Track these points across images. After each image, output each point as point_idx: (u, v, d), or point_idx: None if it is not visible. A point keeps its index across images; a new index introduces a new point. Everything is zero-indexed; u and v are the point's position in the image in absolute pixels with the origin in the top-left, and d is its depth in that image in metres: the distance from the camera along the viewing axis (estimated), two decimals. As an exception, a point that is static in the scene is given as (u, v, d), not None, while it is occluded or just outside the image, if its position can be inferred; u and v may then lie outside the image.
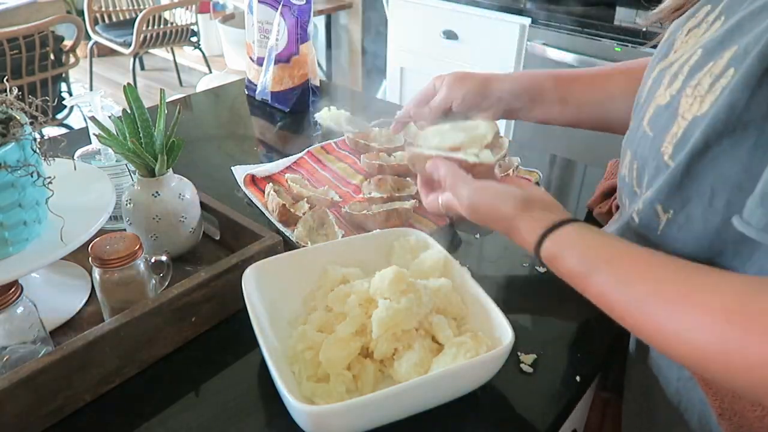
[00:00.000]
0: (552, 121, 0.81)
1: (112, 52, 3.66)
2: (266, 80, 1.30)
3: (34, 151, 0.60)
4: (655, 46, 0.64)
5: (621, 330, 0.71)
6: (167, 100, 0.82)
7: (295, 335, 0.62)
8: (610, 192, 0.85)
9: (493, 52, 2.13)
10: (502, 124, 2.22)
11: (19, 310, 0.59)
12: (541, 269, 0.81)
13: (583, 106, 0.78)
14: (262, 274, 0.66)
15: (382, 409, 0.54)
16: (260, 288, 0.65)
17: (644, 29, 1.78)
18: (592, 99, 0.77)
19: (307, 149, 1.11)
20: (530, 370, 0.64)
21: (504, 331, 0.58)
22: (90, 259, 0.63)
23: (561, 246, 0.55)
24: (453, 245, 0.85)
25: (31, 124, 0.60)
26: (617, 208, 0.77)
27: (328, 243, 0.73)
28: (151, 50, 3.69)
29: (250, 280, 0.64)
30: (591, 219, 0.88)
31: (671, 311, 0.44)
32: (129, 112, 0.73)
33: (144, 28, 3.21)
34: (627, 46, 1.80)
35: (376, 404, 0.53)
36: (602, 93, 0.77)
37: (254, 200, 0.95)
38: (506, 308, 0.60)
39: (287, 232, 0.86)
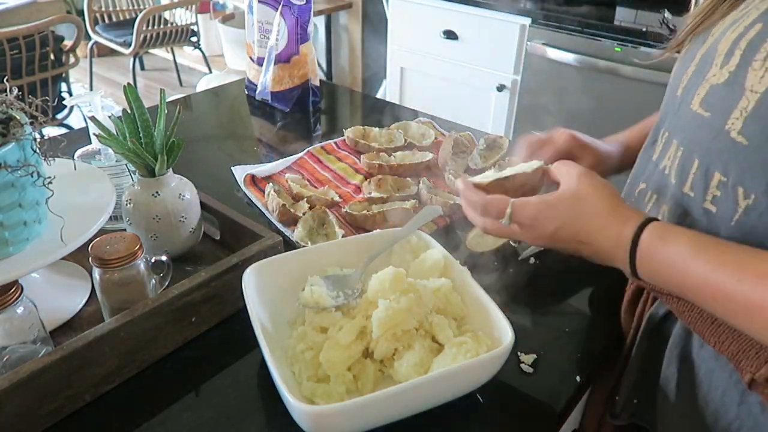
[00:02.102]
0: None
1: (112, 52, 3.65)
2: (266, 80, 1.30)
3: (34, 151, 0.60)
4: (678, 51, 0.64)
5: (620, 332, 0.71)
6: (167, 100, 0.82)
7: (295, 335, 0.62)
8: None
9: (493, 51, 2.13)
10: (501, 123, 2.22)
11: (19, 310, 0.59)
12: (532, 260, 0.81)
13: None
14: (262, 274, 0.66)
15: (382, 409, 0.54)
16: (260, 288, 0.65)
17: (644, 29, 1.77)
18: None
19: (307, 149, 1.11)
20: (530, 370, 0.64)
21: (504, 331, 0.58)
22: (90, 259, 0.63)
23: (662, 233, 0.54)
24: (453, 245, 0.85)
25: (31, 124, 0.60)
26: None
27: (329, 243, 0.74)
28: (151, 50, 3.68)
29: (250, 280, 0.64)
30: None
31: None
32: (129, 112, 0.73)
33: (144, 28, 3.21)
34: (627, 46, 1.80)
35: (376, 404, 0.53)
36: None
37: (254, 200, 0.95)
38: (506, 308, 0.60)
39: (287, 232, 0.86)
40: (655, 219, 0.55)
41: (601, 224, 0.57)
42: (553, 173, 0.64)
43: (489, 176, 0.66)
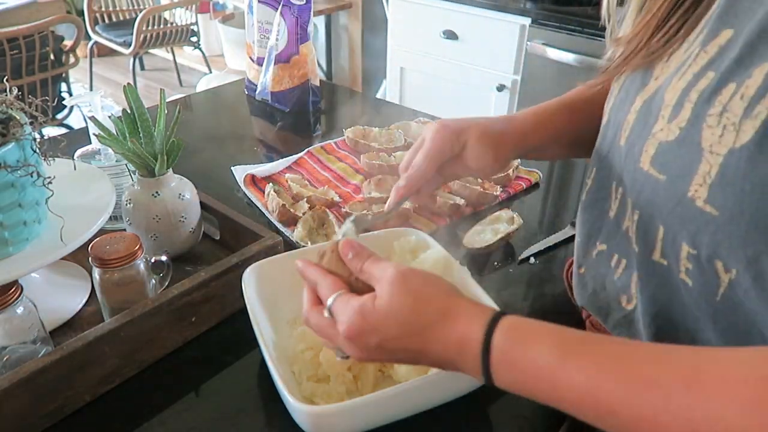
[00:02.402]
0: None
1: (112, 52, 3.65)
2: (266, 80, 1.30)
3: (34, 151, 0.60)
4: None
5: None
6: (167, 100, 0.82)
7: (295, 335, 0.62)
8: None
9: (493, 51, 2.13)
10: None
11: (19, 310, 0.59)
12: (532, 260, 0.81)
13: (583, 136, 0.69)
14: (262, 274, 0.66)
15: (382, 409, 0.54)
16: (260, 288, 0.65)
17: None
18: (539, 143, 0.69)
19: (307, 149, 1.11)
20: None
21: None
22: (90, 259, 0.63)
23: (519, 334, 0.43)
24: (453, 245, 0.85)
25: (31, 124, 0.60)
26: None
27: (331, 241, 0.73)
28: (151, 50, 3.68)
29: (250, 279, 0.64)
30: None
31: (696, 393, 0.35)
32: (129, 112, 0.73)
33: (144, 28, 3.21)
34: (627, 46, 1.80)
35: (376, 404, 0.53)
36: (548, 134, 0.69)
37: (254, 200, 0.95)
38: (506, 308, 0.60)
39: (287, 232, 0.86)
40: (503, 313, 0.45)
41: (436, 331, 0.46)
42: (365, 275, 0.51)
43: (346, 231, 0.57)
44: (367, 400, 0.52)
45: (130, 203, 0.75)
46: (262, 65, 1.31)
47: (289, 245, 0.81)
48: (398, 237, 0.73)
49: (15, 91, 0.62)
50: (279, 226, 0.88)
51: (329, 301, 0.50)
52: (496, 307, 0.50)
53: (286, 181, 0.97)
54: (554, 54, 1.95)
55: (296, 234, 0.84)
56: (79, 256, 0.73)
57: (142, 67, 4.37)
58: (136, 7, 3.87)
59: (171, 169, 0.76)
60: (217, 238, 0.84)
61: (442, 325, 0.46)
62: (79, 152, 0.87)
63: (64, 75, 2.66)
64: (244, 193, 0.98)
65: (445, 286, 0.49)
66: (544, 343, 0.42)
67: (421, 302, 0.47)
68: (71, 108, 2.61)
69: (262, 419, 0.59)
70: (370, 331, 0.47)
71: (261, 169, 1.02)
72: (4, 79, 0.74)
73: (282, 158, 1.07)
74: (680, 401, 0.35)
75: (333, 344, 0.50)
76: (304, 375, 0.59)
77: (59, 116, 2.68)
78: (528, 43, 2.02)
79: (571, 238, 0.85)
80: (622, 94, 0.54)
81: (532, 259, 0.82)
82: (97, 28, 3.53)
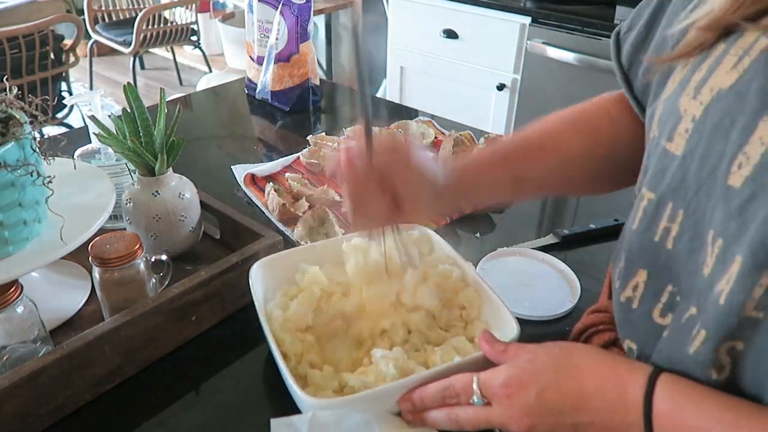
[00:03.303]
0: (504, 202, 0.68)
1: (112, 52, 3.65)
2: (266, 79, 1.30)
3: (34, 151, 0.60)
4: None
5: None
6: (167, 99, 0.82)
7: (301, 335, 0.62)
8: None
9: (493, 51, 2.13)
10: (501, 122, 2.22)
11: (19, 309, 0.59)
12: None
13: (545, 178, 0.63)
14: (270, 270, 0.66)
15: (389, 401, 0.54)
16: (267, 283, 0.65)
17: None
18: (550, 169, 0.63)
19: (306, 148, 1.11)
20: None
21: (509, 326, 0.58)
22: (90, 258, 0.63)
23: (676, 395, 0.42)
24: (453, 244, 0.85)
25: (31, 123, 0.60)
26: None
27: (338, 238, 0.73)
28: (151, 49, 3.68)
29: (257, 275, 0.64)
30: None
31: None
32: (129, 111, 0.72)
33: (144, 28, 3.21)
34: (627, 45, 1.80)
35: (384, 396, 0.53)
36: (558, 159, 0.63)
37: (254, 199, 0.95)
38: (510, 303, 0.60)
39: (287, 231, 0.86)
40: (661, 369, 0.44)
41: (594, 375, 0.45)
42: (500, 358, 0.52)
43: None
44: (375, 392, 0.52)
45: (130, 202, 0.75)
46: (262, 64, 1.30)
47: (289, 244, 0.81)
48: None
49: (15, 90, 0.62)
50: (279, 225, 0.88)
51: (475, 385, 0.49)
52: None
53: (287, 180, 0.97)
54: (554, 53, 1.95)
55: (296, 233, 0.84)
56: (79, 256, 0.73)
57: (142, 67, 4.37)
58: (136, 7, 3.86)
59: (171, 168, 0.76)
60: (217, 237, 0.84)
61: (600, 369, 0.46)
62: (79, 151, 0.87)
63: (64, 74, 2.66)
64: (244, 192, 0.97)
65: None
66: (701, 400, 0.41)
67: (568, 346, 0.49)
68: (71, 107, 2.60)
69: (263, 419, 0.58)
70: (528, 381, 0.47)
71: (261, 168, 1.02)
72: (4, 79, 0.74)
73: (282, 157, 1.07)
74: None
75: (491, 427, 0.50)
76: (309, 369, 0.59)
77: (59, 115, 2.68)
78: (528, 42, 2.02)
79: (566, 240, 0.85)
80: (714, 118, 0.42)
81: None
82: (97, 27, 3.53)
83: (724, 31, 0.43)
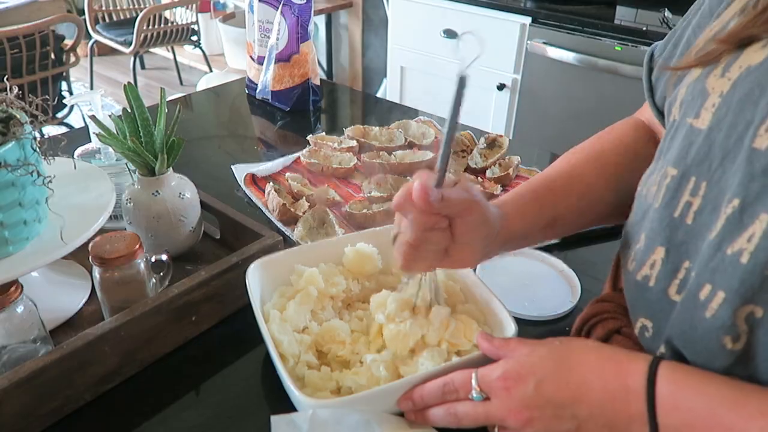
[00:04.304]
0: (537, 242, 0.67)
1: (113, 51, 3.65)
2: (267, 79, 1.30)
3: (34, 150, 0.60)
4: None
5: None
6: (167, 99, 0.82)
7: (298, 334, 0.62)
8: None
9: (493, 51, 2.13)
10: (501, 122, 2.22)
11: (19, 309, 0.58)
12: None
13: (576, 219, 0.64)
14: (267, 270, 0.66)
15: (388, 401, 0.54)
16: (264, 284, 0.65)
17: (645, 28, 1.77)
18: (581, 209, 0.63)
19: (306, 148, 1.11)
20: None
21: (507, 325, 0.58)
22: (90, 258, 0.63)
23: (678, 379, 0.43)
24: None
25: (31, 123, 0.60)
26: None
27: (336, 238, 0.73)
28: (151, 49, 3.68)
29: (254, 275, 0.64)
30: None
31: None
32: (129, 111, 0.72)
33: (144, 27, 3.21)
34: (627, 45, 1.79)
35: (382, 396, 0.53)
36: (587, 201, 0.63)
37: (254, 199, 0.95)
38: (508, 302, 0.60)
39: (287, 231, 0.86)
40: (661, 358, 0.45)
41: (594, 365, 0.46)
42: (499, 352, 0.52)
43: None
44: (374, 393, 0.52)
45: (130, 202, 0.75)
46: (262, 64, 1.30)
47: (289, 244, 0.81)
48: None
49: (15, 90, 0.62)
50: (279, 225, 0.88)
51: (473, 380, 0.50)
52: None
53: (287, 180, 0.97)
54: (554, 53, 1.95)
55: (296, 233, 0.84)
56: (80, 255, 0.73)
57: (143, 66, 4.37)
58: (136, 6, 3.86)
59: (171, 168, 0.76)
60: (217, 237, 0.84)
61: (597, 358, 0.46)
62: (79, 151, 0.87)
63: (64, 74, 2.66)
64: (245, 192, 0.97)
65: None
66: (707, 383, 0.42)
67: (567, 340, 0.49)
68: (71, 107, 2.60)
69: (263, 419, 0.58)
70: (527, 373, 0.47)
71: (261, 168, 1.02)
72: (5, 78, 0.74)
73: (282, 157, 1.07)
74: None
75: (490, 422, 0.50)
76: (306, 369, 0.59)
77: (59, 115, 2.68)
78: (528, 42, 2.02)
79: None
80: (743, 90, 0.43)
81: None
82: (97, 27, 3.53)
83: (741, 42, 0.44)
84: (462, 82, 0.46)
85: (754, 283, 0.40)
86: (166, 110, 0.74)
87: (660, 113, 0.62)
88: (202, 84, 3.34)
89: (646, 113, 0.67)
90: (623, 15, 1.93)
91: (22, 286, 0.59)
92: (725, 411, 0.40)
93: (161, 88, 0.77)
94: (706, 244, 0.43)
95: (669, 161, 0.49)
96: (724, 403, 0.40)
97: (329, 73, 3.46)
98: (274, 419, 0.51)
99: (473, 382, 0.50)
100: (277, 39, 1.26)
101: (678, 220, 0.47)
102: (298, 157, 1.08)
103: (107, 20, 3.74)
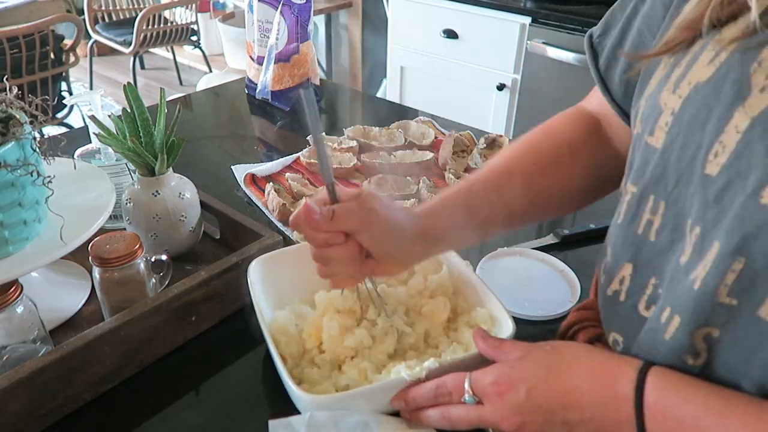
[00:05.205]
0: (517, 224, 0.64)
1: (112, 51, 3.65)
2: (266, 79, 1.30)
3: (34, 150, 0.60)
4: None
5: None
6: (167, 99, 0.82)
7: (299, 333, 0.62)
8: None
9: (493, 50, 2.13)
10: (501, 122, 2.22)
11: (19, 309, 0.58)
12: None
13: (519, 210, 0.61)
14: (268, 267, 0.66)
15: (385, 398, 0.54)
16: (265, 281, 0.65)
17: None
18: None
19: (307, 148, 1.11)
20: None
21: (505, 324, 0.58)
22: (90, 258, 0.63)
23: (667, 387, 0.42)
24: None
25: (31, 123, 0.60)
26: None
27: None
28: (151, 49, 3.68)
29: (256, 272, 0.64)
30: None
31: None
32: (129, 111, 0.72)
33: (144, 27, 3.21)
34: (627, 45, 1.80)
35: (382, 393, 0.53)
36: (529, 194, 0.61)
37: (254, 199, 0.95)
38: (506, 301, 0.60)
39: (287, 231, 0.86)
40: (651, 363, 0.44)
41: (584, 372, 0.46)
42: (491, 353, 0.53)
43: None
44: (374, 388, 0.53)
45: (130, 202, 0.75)
46: (262, 64, 1.30)
47: (289, 244, 0.81)
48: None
49: (15, 90, 0.62)
50: (279, 225, 0.88)
51: (466, 384, 0.50)
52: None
53: (287, 180, 0.97)
54: (554, 53, 1.95)
55: (296, 233, 0.84)
56: (79, 255, 0.73)
57: (142, 66, 4.37)
58: (136, 6, 3.86)
59: (171, 168, 0.76)
60: (217, 237, 0.84)
61: (588, 364, 0.47)
62: (79, 151, 0.87)
63: (64, 74, 2.66)
64: (245, 192, 0.97)
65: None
66: (695, 393, 0.42)
67: (559, 345, 0.50)
68: (71, 107, 2.60)
69: (263, 419, 0.58)
70: (518, 379, 0.48)
71: (261, 168, 1.02)
72: (4, 78, 0.74)
73: (282, 157, 1.07)
74: None
75: (484, 426, 0.50)
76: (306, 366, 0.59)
77: (59, 115, 2.68)
78: (528, 42, 2.02)
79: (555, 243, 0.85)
80: (691, 110, 0.42)
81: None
82: (97, 27, 3.53)
83: (702, 30, 0.44)
84: (308, 97, 0.48)
85: (706, 308, 0.40)
86: (166, 110, 0.74)
87: (614, 102, 0.59)
88: (202, 84, 3.34)
89: (593, 101, 0.64)
90: (623, 15, 1.93)
91: (22, 286, 0.59)
92: (710, 421, 0.40)
93: (161, 88, 0.77)
94: (673, 265, 0.44)
95: (629, 177, 0.50)
96: (709, 413, 0.41)
97: (329, 73, 3.46)
98: (272, 424, 0.51)
99: (466, 385, 0.50)
100: (277, 39, 1.26)
101: (641, 238, 0.48)
102: (298, 157, 1.08)
103: (107, 20, 3.74)
